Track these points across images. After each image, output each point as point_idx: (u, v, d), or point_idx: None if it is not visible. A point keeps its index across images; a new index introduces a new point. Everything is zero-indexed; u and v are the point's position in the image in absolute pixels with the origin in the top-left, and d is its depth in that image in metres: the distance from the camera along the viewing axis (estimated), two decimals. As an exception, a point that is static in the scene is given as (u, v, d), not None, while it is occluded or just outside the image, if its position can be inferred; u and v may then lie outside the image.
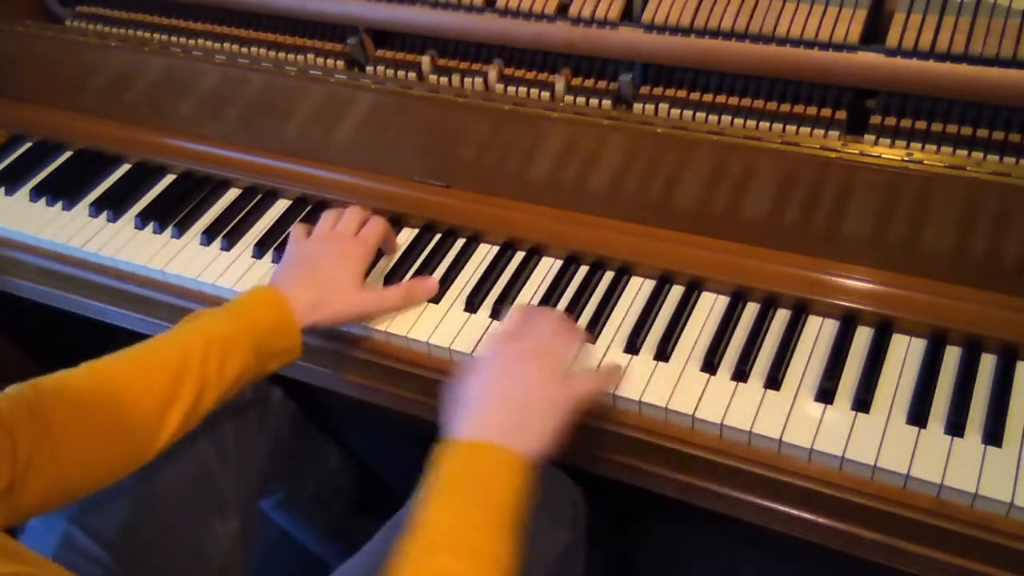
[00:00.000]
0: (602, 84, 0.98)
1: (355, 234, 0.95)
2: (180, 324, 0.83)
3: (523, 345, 0.80)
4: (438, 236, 1.03)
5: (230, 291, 1.01)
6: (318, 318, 0.87)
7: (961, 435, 0.77)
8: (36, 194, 1.17)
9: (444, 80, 1.01)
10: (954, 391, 0.80)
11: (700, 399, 0.83)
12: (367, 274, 0.95)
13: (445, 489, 0.70)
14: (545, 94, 0.97)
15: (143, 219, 1.11)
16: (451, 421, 0.77)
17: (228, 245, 1.06)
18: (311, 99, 1.06)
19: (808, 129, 0.87)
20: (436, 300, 0.95)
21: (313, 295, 0.87)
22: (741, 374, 0.84)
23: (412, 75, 1.03)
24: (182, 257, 1.06)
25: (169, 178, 1.17)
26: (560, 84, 0.96)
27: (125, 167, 1.20)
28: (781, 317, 0.89)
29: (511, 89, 0.98)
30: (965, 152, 0.82)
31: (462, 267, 0.99)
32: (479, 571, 0.66)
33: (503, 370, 0.78)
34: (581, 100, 0.96)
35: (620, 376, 0.86)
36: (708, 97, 0.92)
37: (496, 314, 0.93)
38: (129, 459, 0.77)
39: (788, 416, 0.80)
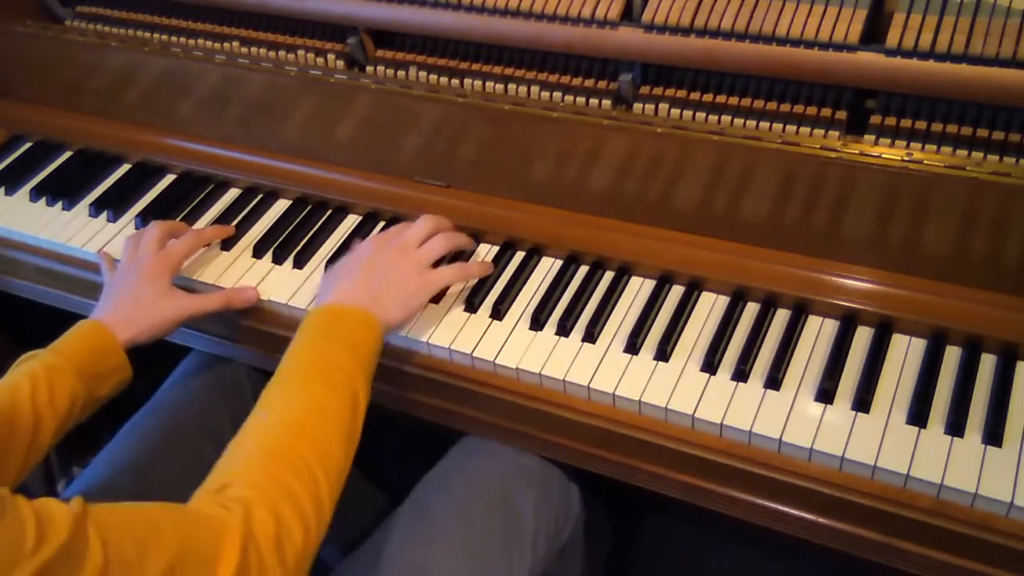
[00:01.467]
0: (602, 84, 0.98)
1: (158, 250, 0.98)
2: (8, 371, 0.85)
3: (396, 240, 0.92)
4: (438, 236, 1.03)
5: (230, 291, 1.01)
6: (133, 333, 0.91)
7: (961, 435, 0.77)
8: (36, 194, 1.17)
9: (443, 80, 1.01)
10: (954, 391, 0.80)
11: (700, 399, 0.83)
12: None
13: (309, 337, 0.81)
14: (545, 94, 0.97)
15: (143, 219, 1.11)
16: (320, 293, 0.90)
17: (228, 245, 1.06)
18: (311, 99, 1.06)
19: (808, 129, 0.87)
20: (436, 300, 0.95)
21: (125, 313, 0.92)
22: (741, 374, 0.84)
23: (420, 74, 1.03)
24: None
25: (169, 178, 1.18)
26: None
27: (125, 167, 1.20)
28: (781, 317, 0.89)
29: (511, 89, 0.99)
30: (965, 152, 0.82)
31: (462, 267, 0.99)
32: (333, 396, 0.76)
33: (372, 256, 0.90)
34: (581, 100, 0.96)
35: (484, 269, 0.95)
36: (708, 97, 0.92)
37: (496, 314, 0.93)
38: None
39: (788, 416, 0.80)
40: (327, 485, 0.70)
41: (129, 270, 0.97)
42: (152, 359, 0.97)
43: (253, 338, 1.01)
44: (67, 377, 0.84)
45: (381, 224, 1.06)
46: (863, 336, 0.86)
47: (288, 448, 0.71)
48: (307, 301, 0.97)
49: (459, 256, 0.98)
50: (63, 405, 0.84)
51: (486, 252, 1.01)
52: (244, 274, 1.02)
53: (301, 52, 1.10)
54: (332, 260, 1.01)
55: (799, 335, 0.87)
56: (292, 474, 0.69)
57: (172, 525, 0.62)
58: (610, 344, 0.89)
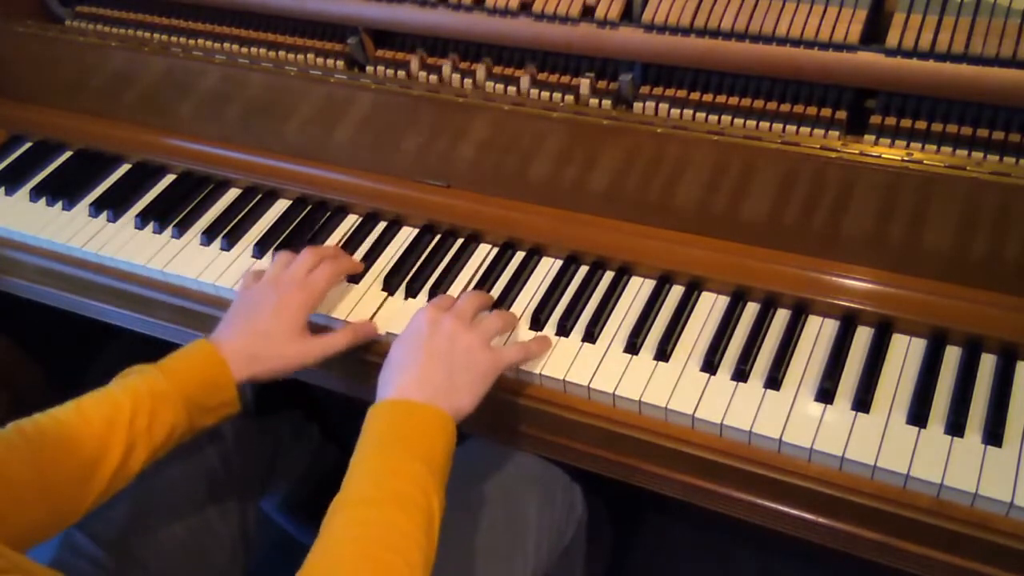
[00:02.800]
0: (602, 84, 0.98)
1: (304, 278, 0.91)
2: (113, 381, 0.81)
3: (451, 314, 0.83)
4: (438, 236, 1.03)
5: (230, 291, 1.01)
6: (255, 372, 0.85)
7: (961, 435, 0.77)
8: (36, 194, 1.17)
9: (445, 79, 1.01)
10: (954, 391, 0.80)
11: (700, 399, 0.83)
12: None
13: (375, 445, 0.73)
14: (545, 94, 0.97)
15: (143, 219, 1.11)
16: (381, 384, 0.80)
17: (228, 245, 1.06)
18: (311, 99, 1.06)
19: (808, 129, 0.87)
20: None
21: (250, 349, 0.85)
22: (741, 374, 0.84)
23: (420, 74, 1.03)
24: (182, 257, 1.06)
25: (169, 178, 1.17)
26: (585, 86, 0.96)
27: (125, 167, 1.20)
28: (781, 317, 0.89)
29: (511, 89, 0.99)
30: (965, 152, 0.82)
31: (462, 267, 0.99)
32: (408, 521, 0.68)
33: (431, 334, 0.81)
34: (581, 100, 0.96)
35: (544, 347, 0.88)
36: (708, 97, 0.92)
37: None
38: (54, 521, 0.74)
39: (788, 416, 0.80)
40: None
41: (267, 294, 0.89)
42: (151, 359, 0.97)
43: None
44: (172, 407, 0.79)
45: (382, 224, 1.06)
46: (863, 336, 0.86)
47: None
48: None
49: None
50: (160, 435, 0.79)
51: (486, 252, 1.01)
52: (243, 275, 1.02)
53: (301, 53, 1.09)
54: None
55: (799, 335, 0.87)
56: None
57: None
58: (610, 344, 0.89)
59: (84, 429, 0.76)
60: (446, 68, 1.02)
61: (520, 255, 1.00)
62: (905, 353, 0.84)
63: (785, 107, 0.90)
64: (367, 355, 0.94)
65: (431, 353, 0.79)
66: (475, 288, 0.96)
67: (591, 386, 0.85)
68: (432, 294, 0.97)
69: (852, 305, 0.87)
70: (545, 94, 0.97)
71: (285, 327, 0.87)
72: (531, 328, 0.91)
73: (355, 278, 1.00)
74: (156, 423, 0.79)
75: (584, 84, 0.95)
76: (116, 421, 0.77)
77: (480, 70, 1.01)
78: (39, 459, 0.73)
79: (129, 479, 0.79)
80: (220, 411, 0.84)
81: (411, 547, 0.67)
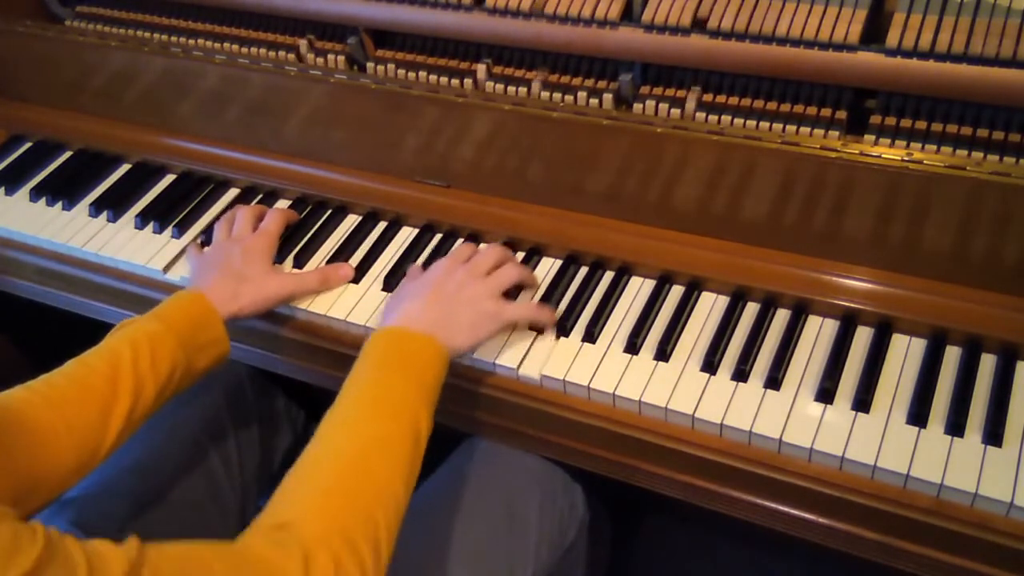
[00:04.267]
0: (602, 84, 0.98)
1: (253, 228, 0.99)
2: (107, 336, 0.84)
3: (467, 267, 0.88)
4: (438, 236, 1.03)
5: (230, 291, 1.01)
6: (239, 306, 0.90)
7: (961, 435, 0.77)
8: (36, 194, 1.17)
9: (444, 81, 1.01)
10: (954, 391, 0.80)
11: (700, 399, 0.83)
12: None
13: (371, 366, 0.78)
14: (545, 94, 0.97)
15: (143, 219, 1.11)
16: (386, 311, 0.87)
17: (228, 245, 1.06)
18: (311, 99, 1.06)
19: (808, 129, 0.87)
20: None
21: (230, 287, 0.91)
22: (741, 374, 0.84)
23: (420, 74, 1.03)
24: (182, 257, 1.06)
25: (169, 178, 1.18)
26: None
27: (125, 167, 1.20)
28: (781, 317, 0.89)
29: (511, 89, 0.99)
30: (965, 152, 0.82)
31: (462, 267, 0.99)
32: (396, 429, 0.73)
33: (442, 277, 0.87)
34: (581, 100, 0.96)
35: (550, 318, 0.90)
36: (708, 97, 0.92)
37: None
38: (78, 466, 0.76)
39: (788, 416, 0.80)
40: (386, 527, 0.68)
41: (230, 247, 0.96)
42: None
43: (254, 336, 1.01)
44: (168, 344, 0.83)
45: (382, 224, 1.06)
46: (863, 336, 0.86)
47: (347, 488, 0.68)
48: (307, 300, 0.97)
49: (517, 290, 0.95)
50: (164, 372, 0.82)
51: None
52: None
53: (304, 49, 1.10)
54: (331, 260, 1.01)
55: (799, 335, 0.87)
56: (351, 516, 0.66)
57: (230, 569, 0.60)
58: (610, 344, 0.89)
59: (92, 377, 0.79)
60: (444, 72, 1.02)
61: (520, 255, 0.99)
62: (905, 353, 0.84)
63: (785, 107, 0.90)
64: (351, 349, 0.94)
65: (437, 292, 0.85)
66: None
67: (591, 386, 0.85)
68: (432, 294, 0.97)
69: (852, 305, 0.87)
70: (545, 94, 0.97)
71: (257, 266, 0.94)
72: (531, 328, 0.91)
73: (356, 278, 1.00)
74: (158, 361, 0.82)
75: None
76: (120, 366, 0.80)
77: (480, 70, 1.01)
78: (59, 408, 0.75)
79: (143, 420, 0.82)
80: (212, 348, 0.87)
81: (397, 455, 0.72)
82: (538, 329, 0.90)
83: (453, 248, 0.92)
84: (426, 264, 0.98)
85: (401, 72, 1.04)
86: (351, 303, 0.97)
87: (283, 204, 1.11)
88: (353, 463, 0.70)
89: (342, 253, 1.02)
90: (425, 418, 0.76)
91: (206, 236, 1.07)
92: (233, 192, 1.14)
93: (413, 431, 0.74)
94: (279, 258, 1.02)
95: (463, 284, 0.86)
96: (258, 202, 1.11)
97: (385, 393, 0.76)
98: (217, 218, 1.09)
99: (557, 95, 0.97)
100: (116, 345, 0.81)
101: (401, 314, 0.84)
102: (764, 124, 0.89)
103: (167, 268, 1.05)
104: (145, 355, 0.81)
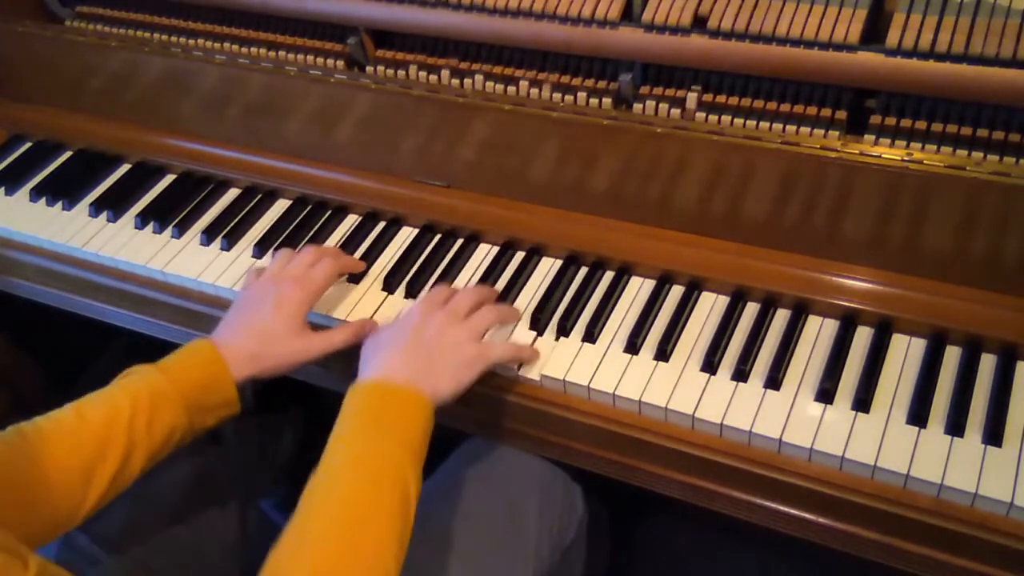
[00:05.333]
0: (602, 84, 0.98)
1: (303, 274, 0.91)
2: (113, 382, 0.81)
3: (445, 310, 0.84)
4: (438, 236, 1.03)
5: (230, 291, 1.01)
6: (255, 371, 0.85)
7: (961, 435, 0.77)
8: (36, 194, 1.17)
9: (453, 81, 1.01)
10: (954, 391, 0.80)
11: (700, 399, 0.83)
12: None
13: (353, 425, 0.75)
14: (545, 94, 0.97)
15: (143, 219, 1.11)
16: (363, 361, 0.82)
17: (228, 245, 1.06)
18: (311, 99, 1.06)
19: (808, 129, 0.87)
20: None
21: (250, 348, 0.85)
22: (741, 374, 0.84)
23: (420, 74, 1.03)
24: (182, 257, 1.06)
25: (169, 178, 1.17)
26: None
27: (125, 167, 1.20)
28: (781, 317, 0.89)
29: (511, 89, 0.99)
30: (965, 152, 0.82)
31: (462, 267, 0.99)
32: (384, 497, 0.70)
33: (420, 322, 0.83)
34: (581, 100, 0.96)
35: (533, 356, 0.88)
36: (708, 97, 0.92)
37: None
38: (53, 525, 0.74)
39: (788, 416, 0.80)
40: None
41: (267, 294, 0.89)
42: (151, 359, 0.97)
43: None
44: (172, 407, 0.79)
45: (382, 225, 1.06)
46: (863, 336, 0.86)
47: (338, 566, 0.66)
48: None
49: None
50: (160, 436, 0.79)
51: (486, 252, 1.01)
52: (244, 274, 1.02)
53: (301, 53, 1.09)
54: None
55: (799, 335, 0.87)
56: None
57: None
58: (610, 344, 0.89)
59: (84, 431, 0.75)
60: (444, 72, 1.02)
61: (520, 255, 1.00)
62: (905, 353, 0.84)
63: (785, 107, 0.90)
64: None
65: (416, 339, 0.81)
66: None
67: (591, 386, 0.85)
68: (432, 294, 0.97)
69: (852, 305, 0.87)
70: (545, 94, 0.97)
71: (285, 325, 0.86)
72: (531, 328, 0.91)
73: (355, 278, 1.00)
74: (156, 424, 0.78)
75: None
76: (115, 422, 0.76)
77: (480, 70, 1.01)
78: (40, 461, 0.72)
79: (129, 481, 0.78)
80: (220, 411, 0.84)
81: (384, 525, 0.68)
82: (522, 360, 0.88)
83: (428, 292, 0.88)
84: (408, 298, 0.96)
85: (401, 72, 1.04)
86: (351, 304, 0.97)
87: (283, 204, 1.11)
88: (338, 539, 0.67)
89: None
90: (413, 479, 0.72)
91: (259, 250, 1.04)
92: (233, 192, 1.14)
93: (401, 493, 0.71)
94: (261, 252, 1.03)
95: (442, 329, 0.82)
96: (258, 202, 1.11)
97: (369, 454, 0.72)
98: (217, 218, 1.10)
99: (557, 95, 0.97)
100: (117, 399, 0.78)
101: (381, 364, 0.80)
102: (764, 124, 0.89)
103: (167, 268, 1.05)
104: (143, 415, 0.78)
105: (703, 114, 0.91)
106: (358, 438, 0.74)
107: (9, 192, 1.19)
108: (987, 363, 0.82)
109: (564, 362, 0.87)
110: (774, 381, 0.83)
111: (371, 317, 0.95)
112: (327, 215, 1.08)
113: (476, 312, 0.86)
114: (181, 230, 1.09)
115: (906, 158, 0.80)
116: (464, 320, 0.84)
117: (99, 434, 0.76)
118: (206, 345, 0.84)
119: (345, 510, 0.69)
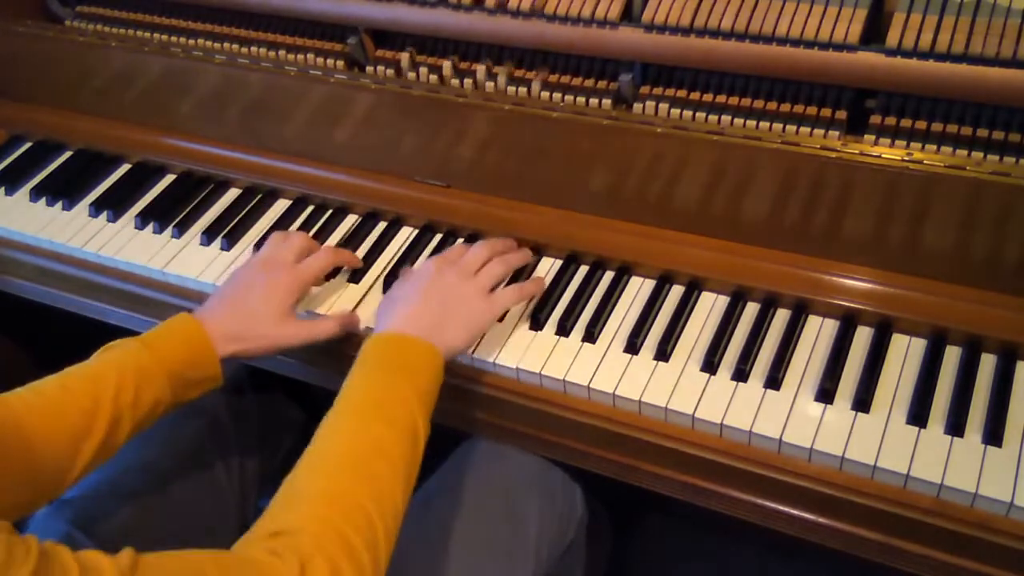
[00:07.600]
0: (602, 84, 0.98)
1: (294, 262, 0.92)
2: (95, 356, 0.82)
3: (456, 267, 0.88)
4: (438, 236, 1.03)
5: (230, 291, 1.01)
6: (237, 349, 0.86)
7: (961, 435, 0.77)
8: (36, 194, 1.17)
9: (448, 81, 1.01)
10: (954, 391, 0.80)
11: (700, 399, 0.83)
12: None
13: (367, 371, 0.78)
14: (545, 94, 0.97)
15: (143, 219, 1.11)
16: (379, 318, 0.86)
17: (228, 245, 1.06)
18: (311, 99, 1.06)
19: (808, 129, 0.87)
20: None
21: (234, 327, 0.86)
22: (741, 374, 0.84)
23: (434, 76, 1.03)
24: (182, 257, 1.06)
25: (169, 178, 1.17)
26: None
27: (125, 167, 1.20)
28: (781, 317, 0.89)
29: (511, 89, 0.99)
30: (965, 152, 0.82)
31: (462, 267, 0.99)
32: (396, 434, 0.73)
33: (431, 279, 0.87)
34: (581, 100, 0.96)
35: (542, 287, 0.93)
36: (708, 97, 0.92)
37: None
38: (39, 494, 0.74)
39: (788, 416, 0.80)
40: (384, 532, 0.67)
41: (257, 274, 0.90)
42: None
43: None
44: (156, 381, 0.80)
45: (382, 225, 1.06)
46: (863, 336, 0.86)
47: (346, 493, 0.68)
48: (306, 301, 0.97)
49: (518, 273, 0.96)
50: (144, 408, 0.80)
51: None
52: (244, 274, 1.02)
53: (301, 53, 1.09)
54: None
55: (799, 335, 0.87)
56: (349, 522, 0.65)
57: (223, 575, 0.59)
58: (610, 344, 0.89)
59: (68, 402, 0.76)
60: (446, 68, 1.02)
61: (520, 255, 1.00)
62: (905, 353, 0.84)
63: (785, 107, 0.90)
64: (351, 350, 0.94)
65: (429, 294, 0.85)
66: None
67: (591, 386, 0.85)
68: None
69: (852, 305, 0.87)
70: (545, 94, 0.97)
71: (272, 309, 0.88)
72: (531, 328, 0.91)
73: (356, 277, 1.00)
74: (141, 397, 0.79)
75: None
76: (101, 396, 0.77)
77: (480, 70, 1.01)
78: (23, 430, 0.72)
79: (113, 452, 0.79)
80: (203, 385, 0.85)
81: (396, 459, 0.71)
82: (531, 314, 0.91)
83: (444, 252, 0.91)
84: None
85: (409, 72, 1.04)
86: (351, 304, 0.97)
87: (283, 204, 1.11)
88: (351, 468, 0.69)
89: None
90: (423, 422, 0.75)
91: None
92: (233, 192, 1.14)
93: (411, 435, 0.73)
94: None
95: (454, 283, 0.86)
96: (258, 202, 1.11)
97: (382, 398, 0.75)
98: (218, 218, 1.10)
99: (557, 95, 0.97)
100: (102, 372, 0.79)
101: (396, 317, 0.83)
102: (764, 124, 0.89)
103: (167, 268, 1.05)
104: (129, 388, 0.78)
105: (703, 114, 0.91)
106: (370, 380, 0.77)
107: (9, 192, 1.19)
108: (987, 363, 0.82)
109: (564, 362, 0.87)
110: (774, 381, 0.83)
111: (371, 316, 0.95)
112: (327, 215, 1.08)
113: (485, 267, 0.89)
114: (181, 230, 1.09)
115: (906, 158, 0.80)
116: (475, 275, 0.88)
117: (84, 407, 0.76)
118: (191, 321, 0.85)
119: (359, 442, 0.72)
